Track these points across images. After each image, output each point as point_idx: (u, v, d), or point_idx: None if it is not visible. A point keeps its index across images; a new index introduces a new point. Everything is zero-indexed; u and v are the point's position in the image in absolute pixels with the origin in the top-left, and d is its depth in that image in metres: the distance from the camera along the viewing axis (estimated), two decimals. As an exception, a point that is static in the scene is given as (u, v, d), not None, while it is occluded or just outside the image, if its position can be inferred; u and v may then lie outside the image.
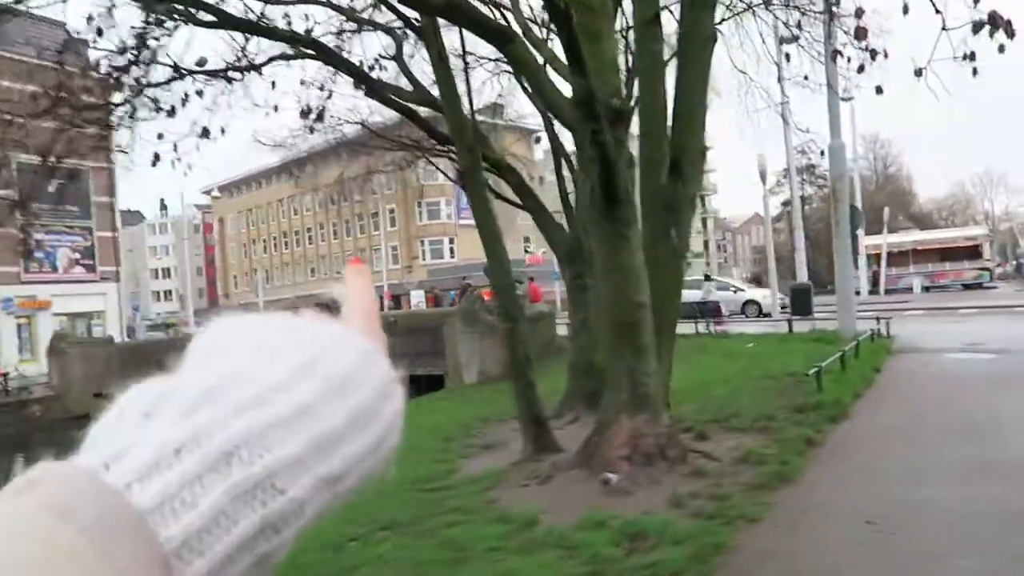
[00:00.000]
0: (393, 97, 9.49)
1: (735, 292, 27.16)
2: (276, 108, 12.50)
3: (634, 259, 6.29)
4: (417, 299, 50.81)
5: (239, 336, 0.41)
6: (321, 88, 11.86)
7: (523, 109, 20.11)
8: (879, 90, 13.61)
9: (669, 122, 6.99)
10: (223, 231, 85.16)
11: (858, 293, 36.75)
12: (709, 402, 9.57)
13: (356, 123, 14.07)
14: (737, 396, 9.83)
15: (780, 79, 14.62)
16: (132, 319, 43.29)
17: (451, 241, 63.03)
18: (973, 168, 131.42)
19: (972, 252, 39.32)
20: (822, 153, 16.28)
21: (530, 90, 10.14)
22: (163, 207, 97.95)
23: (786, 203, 45.89)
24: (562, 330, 22.17)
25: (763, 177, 21.76)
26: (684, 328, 20.26)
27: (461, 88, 8.52)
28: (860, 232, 37.17)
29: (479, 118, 11.10)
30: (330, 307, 0.46)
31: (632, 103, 7.65)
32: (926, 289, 38.98)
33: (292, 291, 72.29)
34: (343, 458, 0.37)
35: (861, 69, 13.60)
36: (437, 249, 63.76)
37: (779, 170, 52.45)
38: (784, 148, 24.77)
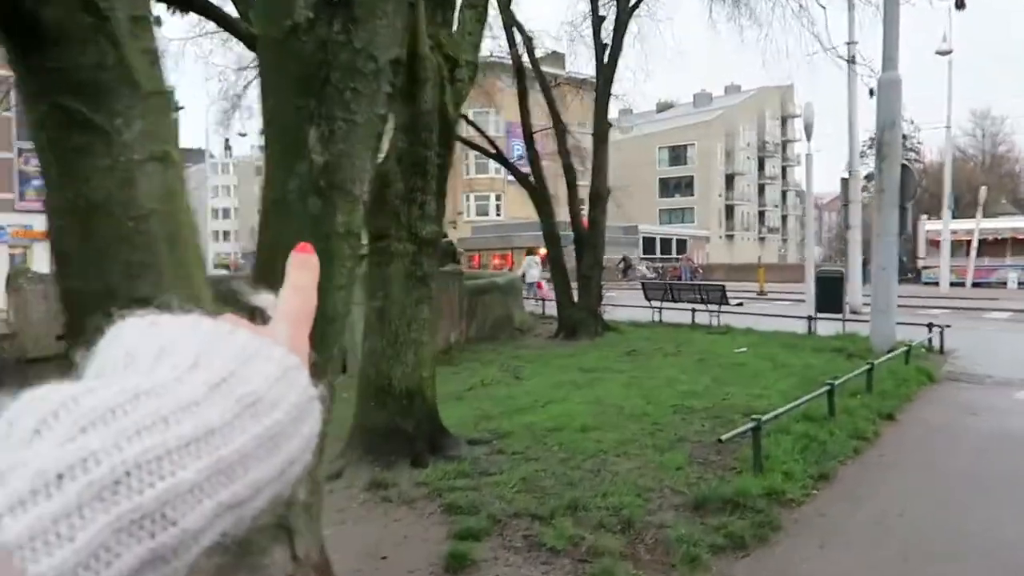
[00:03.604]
0: None
1: None
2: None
3: (130, 183, 2.45)
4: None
5: (152, 341, 0.37)
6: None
7: None
8: (960, 4, 9.14)
9: None
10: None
11: (937, 284, 31.42)
12: (573, 463, 5.68)
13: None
14: (625, 456, 5.90)
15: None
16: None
17: (498, 198, 59.19)
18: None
19: (1085, 245, 33.08)
20: (871, 93, 11.73)
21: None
22: (227, 147, 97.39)
23: (868, 177, 39.94)
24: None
25: (808, 132, 17.10)
26: (681, 316, 16.25)
27: None
28: (947, 214, 31.60)
29: None
30: (256, 311, 0.43)
31: None
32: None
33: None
34: (248, 483, 0.34)
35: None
36: (483, 205, 60.09)
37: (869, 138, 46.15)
38: (847, 101, 19.88)
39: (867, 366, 8.10)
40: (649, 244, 62.48)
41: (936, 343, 11.76)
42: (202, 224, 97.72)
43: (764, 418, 5.49)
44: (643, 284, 16.97)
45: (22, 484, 0.29)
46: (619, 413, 7.27)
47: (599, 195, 13.84)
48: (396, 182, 5.90)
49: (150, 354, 0.36)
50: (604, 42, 13.88)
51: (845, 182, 19.45)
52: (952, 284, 31.07)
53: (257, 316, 0.42)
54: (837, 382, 7.00)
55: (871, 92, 11.75)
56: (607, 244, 50.25)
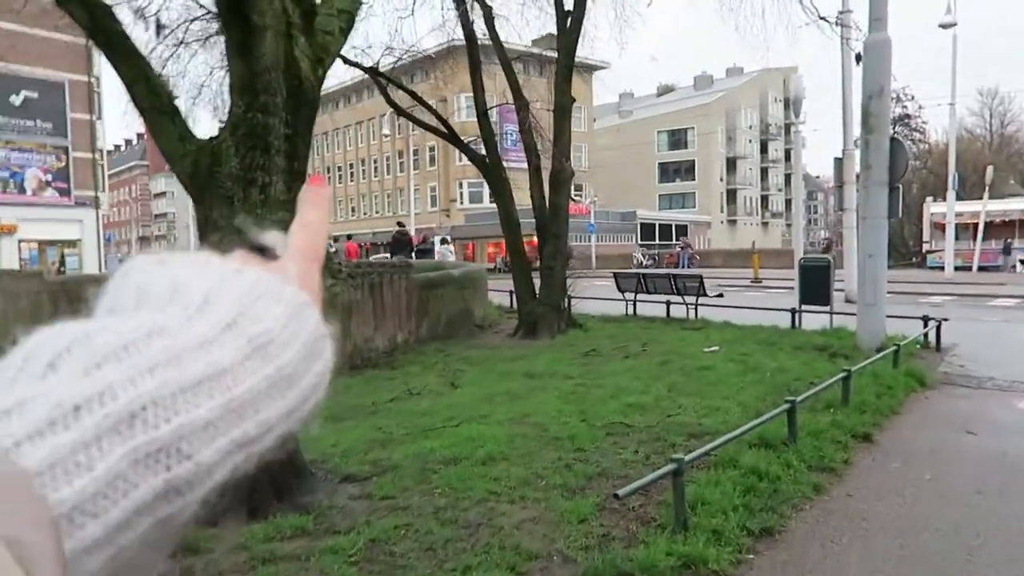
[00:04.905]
0: None
1: None
2: None
3: None
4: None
5: (162, 280, 0.37)
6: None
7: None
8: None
9: None
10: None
11: (942, 268, 29.97)
12: (450, 514, 4.47)
13: None
14: (521, 501, 4.68)
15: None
16: (108, 250, 40.13)
17: (491, 184, 57.83)
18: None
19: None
20: (858, 59, 10.40)
21: None
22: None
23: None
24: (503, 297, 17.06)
25: (796, 109, 15.74)
26: (659, 309, 14.97)
27: None
28: (951, 195, 30.11)
29: None
30: (265, 250, 0.43)
31: None
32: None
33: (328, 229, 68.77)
34: (259, 422, 0.35)
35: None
36: (476, 193, 58.71)
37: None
38: (840, 76, 18.47)
39: (843, 374, 6.85)
40: (648, 230, 60.97)
41: (932, 338, 10.49)
42: (184, 216, 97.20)
43: (695, 454, 4.25)
44: (615, 275, 15.68)
45: (40, 414, 0.29)
46: (541, 436, 6.04)
47: (560, 177, 12.56)
48: (229, 158, 4.67)
49: (162, 293, 0.36)
50: (566, 9, 12.57)
51: (839, 162, 18.10)
52: (957, 268, 29.66)
53: (267, 254, 0.42)
54: (800, 398, 5.74)
55: (857, 58, 10.40)
56: (605, 232, 48.50)
